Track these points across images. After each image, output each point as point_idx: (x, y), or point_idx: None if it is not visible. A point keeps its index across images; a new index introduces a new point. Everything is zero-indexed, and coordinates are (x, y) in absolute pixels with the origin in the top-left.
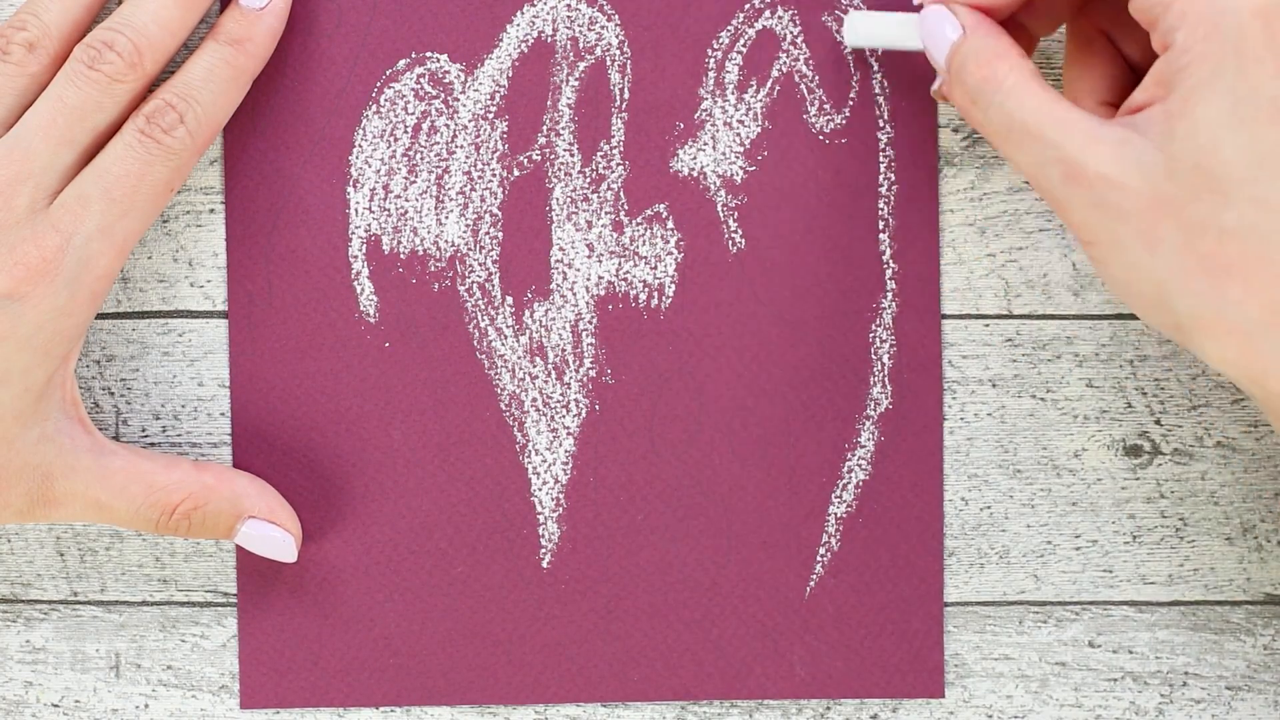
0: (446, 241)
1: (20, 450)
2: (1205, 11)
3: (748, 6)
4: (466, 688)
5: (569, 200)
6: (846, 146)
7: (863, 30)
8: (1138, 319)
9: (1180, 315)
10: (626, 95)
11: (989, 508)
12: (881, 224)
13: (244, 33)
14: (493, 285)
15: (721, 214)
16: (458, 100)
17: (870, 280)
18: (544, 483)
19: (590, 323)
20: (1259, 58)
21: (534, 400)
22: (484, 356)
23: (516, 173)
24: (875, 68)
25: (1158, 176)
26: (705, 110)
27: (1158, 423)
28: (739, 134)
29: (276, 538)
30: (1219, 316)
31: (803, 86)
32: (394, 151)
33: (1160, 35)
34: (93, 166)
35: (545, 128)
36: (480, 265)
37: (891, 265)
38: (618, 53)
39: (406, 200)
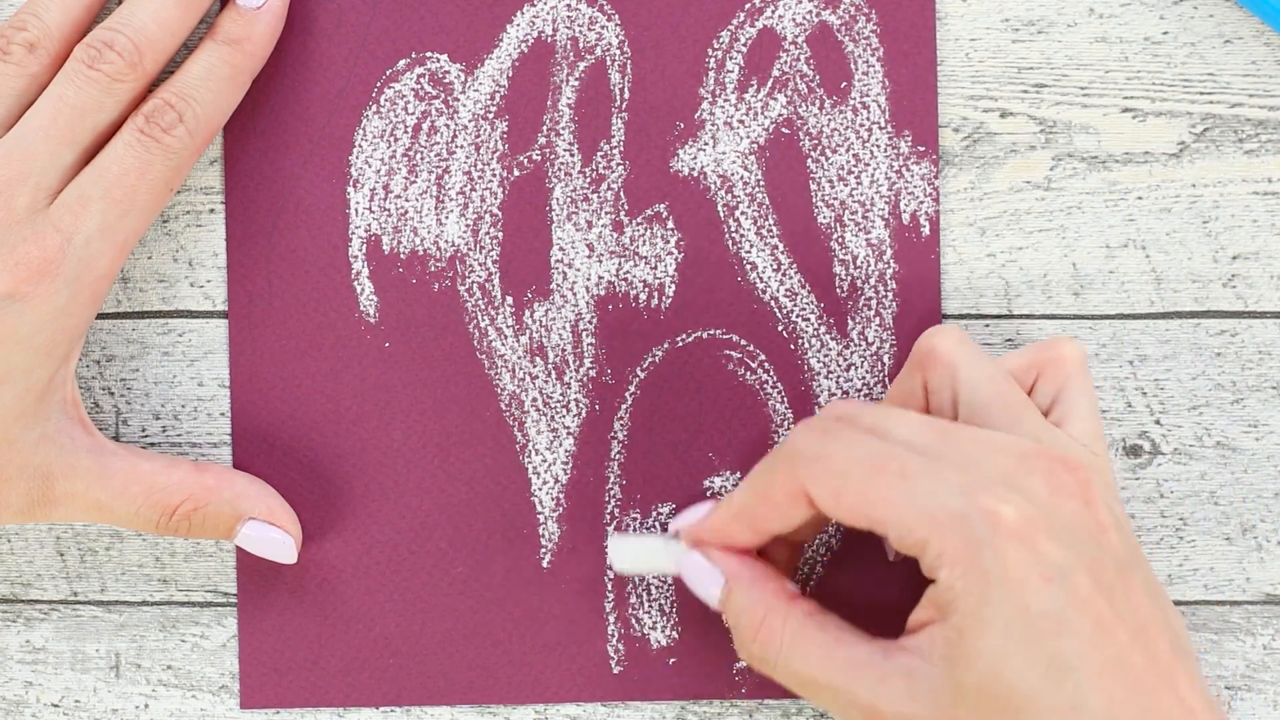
0: (446, 241)
1: (20, 450)
2: (959, 548)
3: (748, 6)
4: (466, 688)
5: (569, 200)
6: (846, 146)
7: (629, 557)
8: (1138, 319)
9: None
10: (626, 95)
11: None
12: (882, 223)
13: (242, 32)
14: (493, 285)
15: (721, 214)
16: (458, 100)
17: (868, 279)
18: (544, 483)
19: (590, 323)
20: (1020, 579)
21: (534, 400)
22: (484, 356)
23: (516, 173)
24: (876, 67)
25: (948, 704)
26: (705, 110)
27: (1158, 423)
28: (739, 134)
29: (276, 539)
30: None
31: (803, 86)
32: (394, 151)
33: (926, 569)
34: (93, 166)
35: (545, 128)
36: (480, 265)
37: (892, 265)
38: (618, 53)
39: (406, 200)
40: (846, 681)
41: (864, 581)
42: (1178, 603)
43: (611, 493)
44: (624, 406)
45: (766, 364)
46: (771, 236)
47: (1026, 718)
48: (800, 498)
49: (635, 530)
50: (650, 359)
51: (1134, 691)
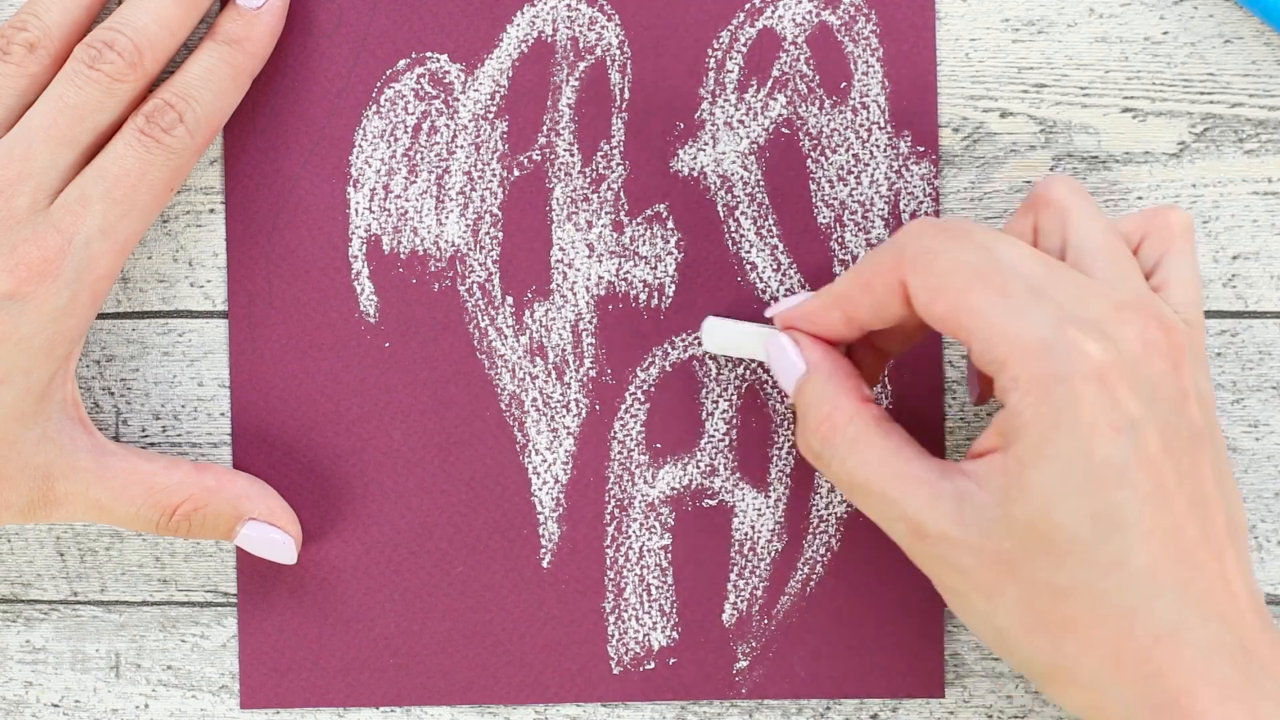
0: (446, 241)
1: (21, 450)
2: (1037, 376)
3: (748, 6)
4: (466, 688)
5: (569, 200)
6: (846, 146)
7: (720, 337)
8: None
9: (1027, 665)
10: (626, 95)
11: None
12: (882, 223)
13: (242, 32)
14: (493, 285)
15: (721, 214)
16: (458, 100)
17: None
18: (544, 483)
19: (590, 323)
20: (1091, 422)
21: (534, 400)
22: (484, 356)
23: (516, 173)
24: (876, 67)
25: (996, 535)
26: (705, 110)
27: None
28: (739, 134)
29: (276, 540)
30: (1063, 670)
31: (803, 86)
32: (394, 151)
33: (999, 391)
34: (93, 166)
35: (545, 128)
36: (480, 265)
37: None
38: (618, 53)
39: (407, 200)
40: (899, 492)
41: (865, 582)
42: None
43: (611, 493)
44: (624, 406)
45: (766, 364)
46: (771, 236)
47: (1070, 561)
48: (899, 291)
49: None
50: (650, 359)
51: (1180, 560)
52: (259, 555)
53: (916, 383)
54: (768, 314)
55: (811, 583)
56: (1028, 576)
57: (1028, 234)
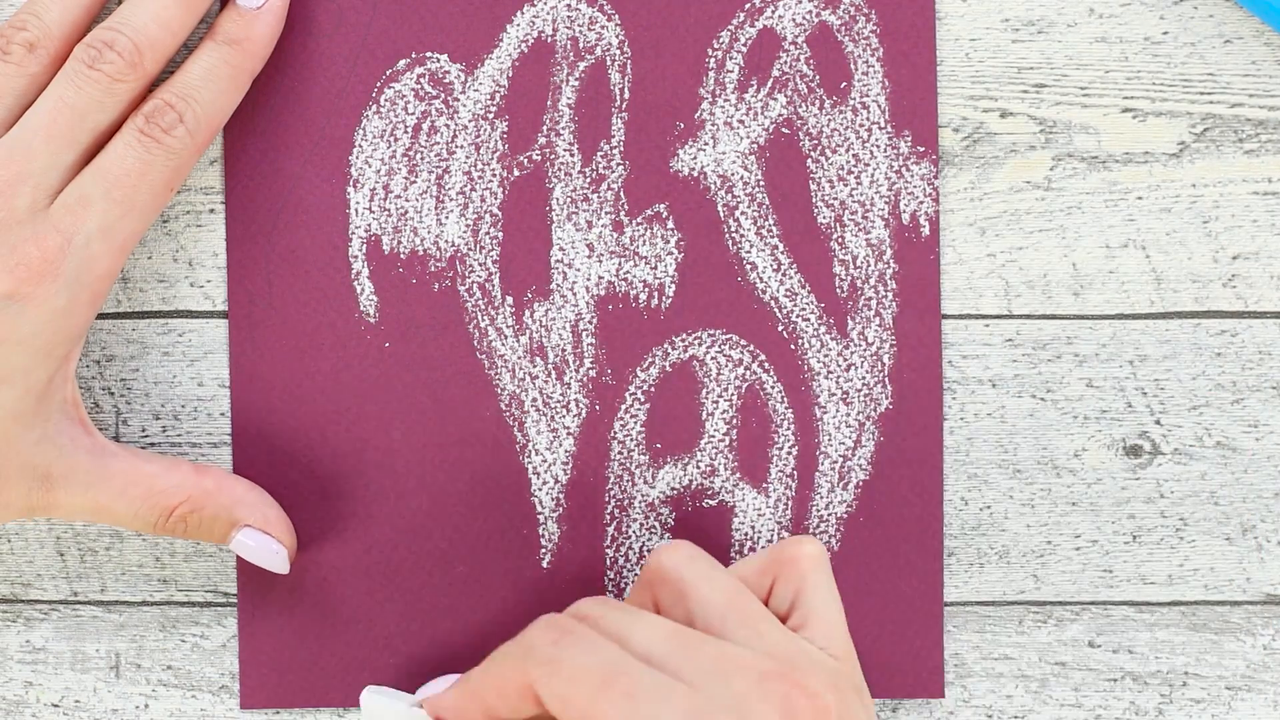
0: (446, 241)
1: (20, 450)
2: None
3: (748, 6)
4: None
5: (569, 200)
6: (846, 146)
7: (374, 713)
8: (1138, 319)
9: None
10: (626, 95)
11: (989, 508)
12: (882, 223)
13: (242, 33)
14: (493, 285)
15: (721, 214)
16: (458, 100)
17: (868, 279)
18: (544, 483)
19: (590, 323)
20: None
21: (534, 400)
22: (484, 356)
23: (516, 173)
24: (876, 67)
25: None
26: (705, 110)
27: (1158, 423)
28: (739, 134)
29: (270, 549)
30: None
31: (803, 86)
32: (394, 151)
33: None
34: (93, 166)
35: (545, 128)
36: (480, 265)
37: (892, 265)
38: (618, 53)
39: (407, 200)
40: None
41: (865, 582)
42: (1178, 603)
43: (611, 493)
44: (624, 407)
45: (766, 364)
46: (771, 236)
47: None
48: (528, 694)
49: (392, 687)
50: (650, 359)
51: None
52: (252, 562)
53: (916, 383)
54: (417, 696)
55: None
56: None
57: (648, 607)
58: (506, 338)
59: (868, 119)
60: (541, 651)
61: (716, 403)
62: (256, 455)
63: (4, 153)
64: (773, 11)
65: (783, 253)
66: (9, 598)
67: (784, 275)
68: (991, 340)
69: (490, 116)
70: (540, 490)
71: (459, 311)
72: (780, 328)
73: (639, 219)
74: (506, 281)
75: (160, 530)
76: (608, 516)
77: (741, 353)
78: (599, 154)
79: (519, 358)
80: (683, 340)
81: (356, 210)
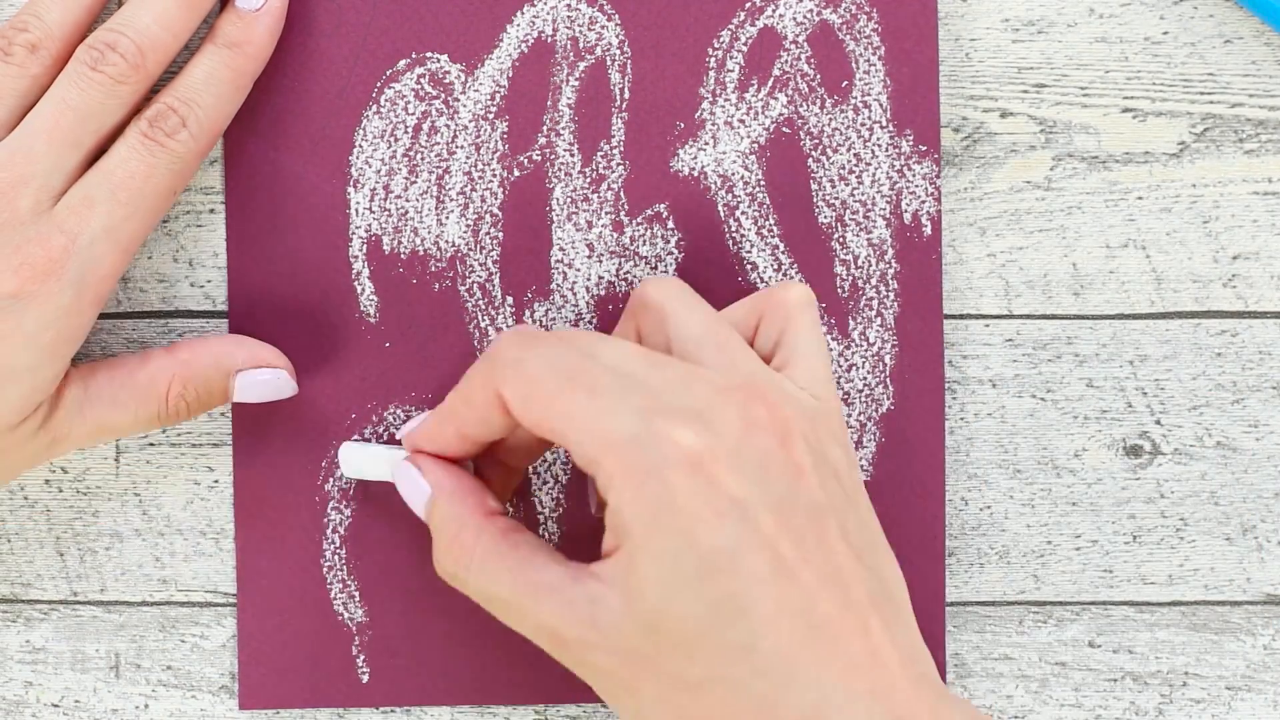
0: (447, 241)
1: (24, 439)
2: (629, 472)
3: (748, 5)
4: (466, 688)
5: (569, 200)
6: (847, 146)
7: (354, 464)
8: (1138, 319)
9: None
10: (626, 95)
11: (989, 508)
12: (883, 223)
13: (242, 35)
14: (493, 285)
15: (722, 214)
16: (458, 100)
17: (869, 279)
18: (544, 483)
19: (590, 323)
20: (690, 511)
21: None
22: None
23: (517, 173)
24: (877, 66)
25: (627, 634)
26: (705, 110)
27: (1158, 423)
28: (739, 133)
29: (268, 380)
30: None
31: (804, 85)
32: (394, 151)
33: (601, 491)
34: (97, 169)
35: (545, 128)
36: (480, 265)
37: (892, 265)
38: (618, 53)
39: (407, 200)
40: (533, 603)
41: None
42: (1178, 603)
43: None
44: None
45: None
46: (772, 236)
47: (699, 654)
48: (497, 402)
49: (370, 439)
50: None
51: (814, 638)
52: (263, 400)
53: (917, 383)
54: (398, 435)
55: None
56: (664, 672)
57: (631, 338)
58: None
59: (869, 118)
60: (507, 355)
61: None
62: (257, 455)
63: (6, 155)
64: (773, 11)
65: (783, 253)
66: (9, 598)
67: (784, 275)
68: (992, 340)
69: (490, 116)
70: (540, 490)
71: (459, 311)
72: None
73: (639, 219)
74: (507, 281)
75: (167, 419)
76: None
77: None
78: (599, 154)
79: None
80: None
81: (357, 210)
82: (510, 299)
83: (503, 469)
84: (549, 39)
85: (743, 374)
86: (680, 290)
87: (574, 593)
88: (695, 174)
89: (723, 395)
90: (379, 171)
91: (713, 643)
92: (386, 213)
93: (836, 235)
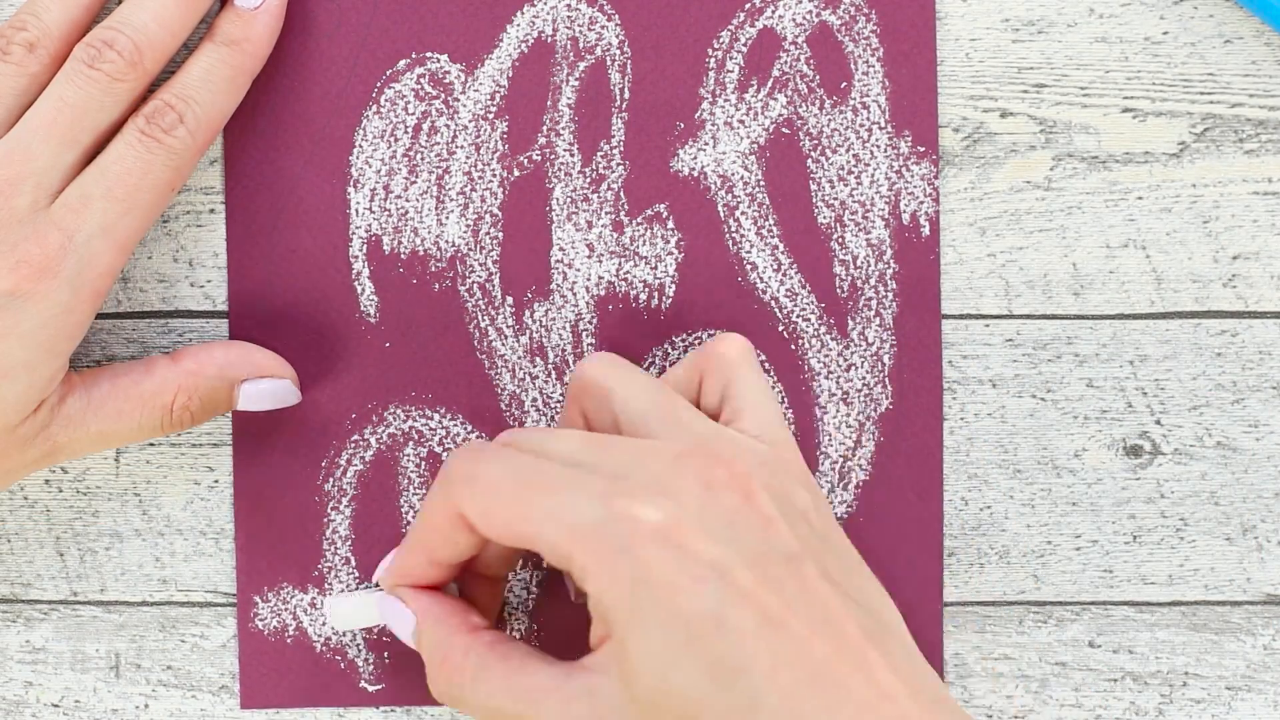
0: (447, 241)
1: (22, 438)
2: (601, 557)
3: (748, 6)
4: None
5: (569, 200)
6: (846, 146)
7: (342, 614)
8: (1138, 319)
9: None
10: (626, 95)
11: (989, 508)
12: (882, 223)
13: (241, 33)
14: (493, 285)
15: (721, 214)
16: (458, 100)
17: (868, 279)
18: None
19: (590, 323)
20: (669, 582)
21: (534, 400)
22: (484, 356)
23: (517, 173)
24: (876, 67)
25: (633, 718)
26: (705, 110)
27: (1158, 423)
28: (739, 134)
29: (274, 389)
30: None
31: (803, 86)
32: (394, 152)
33: (579, 585)
34: (94, 166)
35: (545, 128)
36: (480, 265)
37: (892, 265)
38: (618, 53)
39: (407, 200)
40: (532, 708)
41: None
42: (1178, 604)
43: None
44: None
45: (766, 364)
46: (771, 236)
47: None
48: (460, 522)
49: (351, 589)
50: (650, 359)
51: (816, 683)
52: (266, 409)
53: (915, 382)
54: (374, 578)
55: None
56: None
57: (580, 424)
58: (507, 338)
59: (868, 119)
60: (459, 474)
61: None
62: (257, 456)
63: (4, 153)
64: (773, 11)
65: (783, 253)
66: (9, 598)
67: (784, 275)
68: (991, 340)
69: (490, 116)
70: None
71: (459, 311)
72: (780, 328)
73: (639, 219)
74: (506, 281)
75: (170, 429)
76: None
77: None
78: (599, 154)
79: (519, 358)
80: (683, 340)
81: (357, 210)
82: (510, 299)
83: (485, 582)
84: (549, 39)
85: (694, 437)
86: (617, 365)
87: (570, 690)
88: (695, 174)
89: (678, 463)
90: (379, 171)
91: (717, 707)
92: (386, 213)
93: (835, 235)
